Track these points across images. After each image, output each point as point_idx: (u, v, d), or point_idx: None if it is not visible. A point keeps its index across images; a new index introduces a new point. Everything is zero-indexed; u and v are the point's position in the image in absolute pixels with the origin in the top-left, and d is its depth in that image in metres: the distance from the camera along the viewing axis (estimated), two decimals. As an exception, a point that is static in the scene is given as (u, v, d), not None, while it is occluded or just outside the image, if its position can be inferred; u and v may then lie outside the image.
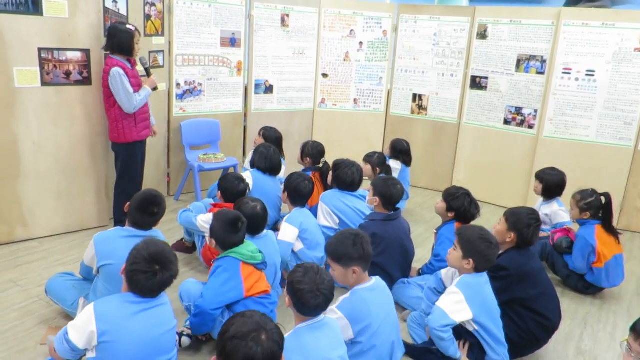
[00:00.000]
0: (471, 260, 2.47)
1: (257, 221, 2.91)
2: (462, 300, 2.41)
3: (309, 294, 1.99)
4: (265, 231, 2.99)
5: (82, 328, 1.99)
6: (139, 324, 2.03)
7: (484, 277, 2.52)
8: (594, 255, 3.40)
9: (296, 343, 2.00)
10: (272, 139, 4.27)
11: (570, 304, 3.41)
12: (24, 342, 2.62)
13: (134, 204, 2.64)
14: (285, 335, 2.04)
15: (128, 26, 3.50)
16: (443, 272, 2.74)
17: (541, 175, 3.98)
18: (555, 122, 4.79)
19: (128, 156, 3.69)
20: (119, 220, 3.74)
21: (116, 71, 3.41)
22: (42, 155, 3.59)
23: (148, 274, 2.03)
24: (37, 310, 2.89)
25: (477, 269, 2.49)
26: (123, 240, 2.59)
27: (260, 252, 2.71)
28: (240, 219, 2.66)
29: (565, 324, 3.13)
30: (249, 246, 2.69)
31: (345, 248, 2.33)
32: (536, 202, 4.21)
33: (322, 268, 2.11)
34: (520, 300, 2.69)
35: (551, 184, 3.90)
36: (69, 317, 2.76)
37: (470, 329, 2.45)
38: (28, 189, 3.59)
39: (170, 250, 2.15)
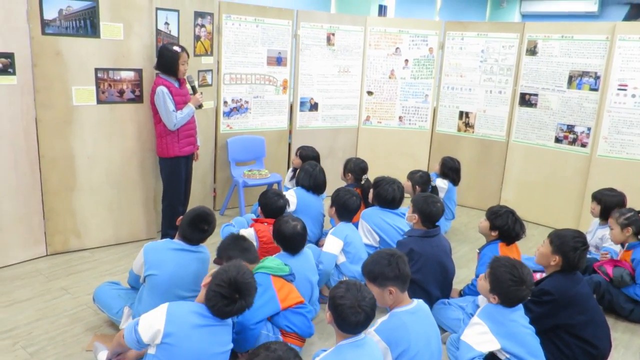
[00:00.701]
0: (496, 297, 2.34)
1: (297, 240, 2.94)
2: (486, 332, 2.28)
3: (350, 309, 1.99)
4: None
5: (151, 324, 2.10)
6: (201, 337, 2.10)
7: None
8: None
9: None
10: (309, 158, 4.29)
11: (624, 332, 3.22)
12: (71, 348, 2.74)
13: (186, 218, 2.75)
14: (326, 353, 2.06)
15: (175, 47, 3.66)
16: (480, 297, 2.65)
17: (599, 197, 3.79)
18: (610, 140, 4.58)
19: (171, 170, 3.81)
20: (165, 233, 3.87)
21: (160, 90, 3.56)
22: (96, 170, 3.78)
23: (228, 300, 2.10)
24: (85, 318, 3.02)
25: (503, 305, 2.34)
26: (171, 253, 2.70)
27: (286, 264, 2.75)
28: (241, 238, 2.78)
29: (618, 353, 2.97)
30: (274, 260, 2.75)
31: (380, 267, 2.31)
32: (590, 224, 4.03)
33: (364, 285, 2.11)
34: (566, 327, 2.58)
35: (610, 205, 3.69)
36: (115, 325, 2.88)
37: (503, 358, 2.33)
38: (82, 201, 3.78)
39: (254, 283, 2.20)
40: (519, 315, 2.37)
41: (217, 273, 2.14)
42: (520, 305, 2.39)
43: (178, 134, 3.73)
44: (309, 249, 3.11)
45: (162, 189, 3.97)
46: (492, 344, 2.28)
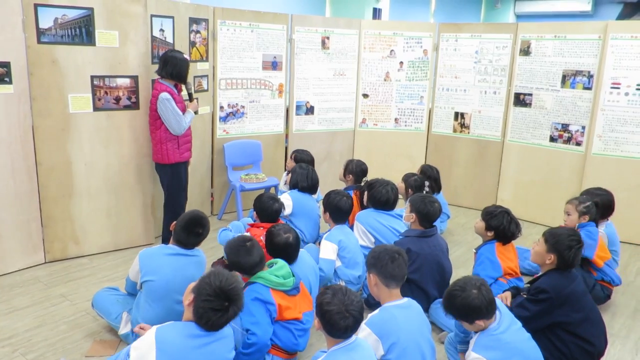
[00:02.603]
0: (477, 322, 2.23)
1: (291, 251, 2.90)
2: None
3: (338, 314, 2.00)
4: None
5: (143, 355, 1.99)
6: (201, 358, 2.02)
7: (502, 325, 2.24)
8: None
9: None
10: (304, 162, 4.29)
11: (621, 329, 3.24)
12: (71, 354, 2.75)
13: (180, 223, 2.74)
14: (320, 359, 2.06)
15: (185, 55, 3.71)
16: None
17: (585, 195, 3.79)
18: (604, 138, 4.61)
19: (172, 176, 3.83)
20: (166, 239, 3.88)
21: (164, 96, 3.57)
22: (93, 176, 3.80)
23: (220, 312, 2.00)
24: (84, 324, 3.03)
25: (485, 318, 2.22)
26: (167, 258, 2.70)
27: (293, 275, 2.68)
28: (246, 239, 2.67)
29: (615, 349, 2.99)
30: (280, 270, 2.65)
31: (374, 255, 2.40)
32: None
33: (350, 289, 2.12)
34: (562, 325, 2.59)
35: (598, 204, 3.64)
36: (114, 330, 2.89)
37: None
38: (80, 207, 3.80)
39: (239, 284, 2.09)
40: (513, 332, 2.26)
41: (200, 288, 2.02)
42: (510, 319, 2.31)
43: (178, 140, 3.75)
44: (305, 251, 3.10)
45: (159, 194, 3.99)
46: None
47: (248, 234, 3.22)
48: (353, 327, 2.03)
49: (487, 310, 2.20)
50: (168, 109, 3.58)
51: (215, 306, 2.00)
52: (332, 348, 2.07)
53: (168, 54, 3.68)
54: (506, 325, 2.26)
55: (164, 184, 3.88)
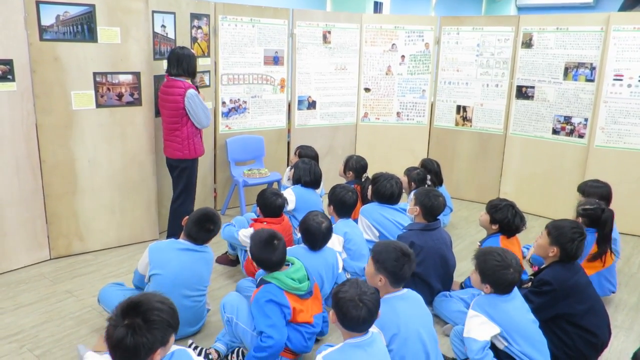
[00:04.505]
0: (489, 286, 2.40)
1: (318, 238, 2.94)
2: (485, 321, 2.34)
3: (350, 302, 1.99)
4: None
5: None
6: None
7: (507, 296, 2.41)
8: None
9: (341, 358, 2.01)
10: (308, 157, 4.30)
11: (624, 320, 3.25)
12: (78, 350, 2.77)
13: (192, 218, 2.78)
14: (331, 349, 2.05)
15: (193, 51, 3.73)
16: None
17: (583, 188, 3.74)
18: (607, 130, 4.60)
19: (193, 170, 3.87)
20: (172, 234, 3.86)
21: (193, 92, 3.59)
22: (97, 173, 3.81)
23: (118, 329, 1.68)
24: (90, 319, 3.05)
25: (497, 292, 2.40)
26: (176, 253, 2.74)
27: (308, 278, 2.65)
28: (275, 237, 2.62)
29: (618, 340, 3.00)
30: (297, 272, 2.61)
31: (387, 255, 2.36)
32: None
33: (366, 283, 2.12)
34: (566, 316, 2.60)
35: (594, 197, 3.56)
36: (120, 326, 2.90)
37: (502, 347, 2.36)
38: (84, 204, 3.81)
39: (161, 311, 1.75)
40: (515, 307, 2.40)
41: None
42: (517, 297, 2.41)
43: (200, 133, 3.81)
44: (331, 248, 3.09)
45: (163, 190, 4.01)
46: (492, 329, 2.34)
47: (270, 230, 3.20)
48: (366, 319, 2.00)
49: (501, 287, 2.37)
50: (197, 104, 3.62)
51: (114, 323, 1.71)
52: (347, 340, 2.04)
53: (179, 52, 3.64)
54: (510, 298, 2.39)
55: (184, 178, 3.81)
